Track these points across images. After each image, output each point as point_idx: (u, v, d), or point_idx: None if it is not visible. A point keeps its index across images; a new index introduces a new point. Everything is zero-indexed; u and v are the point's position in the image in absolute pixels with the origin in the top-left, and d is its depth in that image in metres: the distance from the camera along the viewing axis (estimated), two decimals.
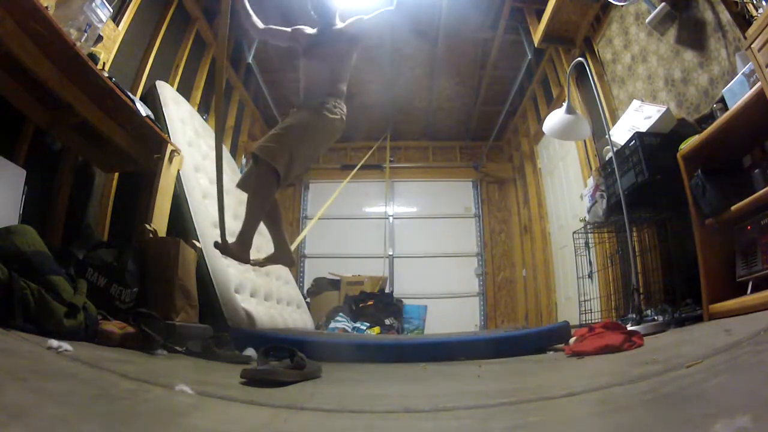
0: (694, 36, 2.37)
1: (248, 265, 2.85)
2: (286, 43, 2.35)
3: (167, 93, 2.82)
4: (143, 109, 2.20)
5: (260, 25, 2.28)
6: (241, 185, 2.15)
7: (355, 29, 2.22)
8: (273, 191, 1.99)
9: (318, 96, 2.13)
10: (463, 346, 2.08)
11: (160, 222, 2.16)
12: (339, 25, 2.25)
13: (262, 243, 3.40)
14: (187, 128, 2.84)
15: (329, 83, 2.18)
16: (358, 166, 4.98)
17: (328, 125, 2.12)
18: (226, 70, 4.04)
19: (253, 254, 3.08)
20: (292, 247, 2.33)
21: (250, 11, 2.24)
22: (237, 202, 3.22)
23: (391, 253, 5.37)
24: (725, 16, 2.11)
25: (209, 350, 1.64)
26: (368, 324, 3.73)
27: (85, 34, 1.92)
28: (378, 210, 5.62)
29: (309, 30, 2.31)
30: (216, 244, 1.94)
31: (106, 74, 1.96)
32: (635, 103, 2.63)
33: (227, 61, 4.04)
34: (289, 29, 2.32)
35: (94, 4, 1.94)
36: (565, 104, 2.74)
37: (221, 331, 1.95)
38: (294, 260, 2.36)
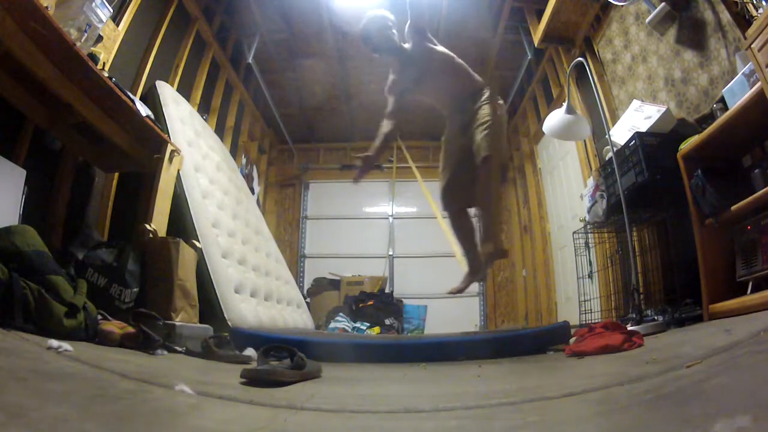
0: (694, 36, 2.37)
1: (248, 266, 2.85)
2: (399, 96, 2.36)
3: (167, 93, 2.82)
4: (143, 109, 2.20)
5: (392, 122, 2.31)
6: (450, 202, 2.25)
7: (418, 39, 2.27)
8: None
9: (467, 95, 2.23)
10: (463, 346, 2.08)
11: (160, 222, 2.16)
12: (405, 45, 2.30)
13: (260, 242, 3.41)
14: (187, 128, 2.84)
15: (461, 81, 2.27)
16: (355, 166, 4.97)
17: (499, 108, 2.21)
18: (225, 70, 4.05)
19: (253, 254, 3.09)
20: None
21: (381, 140, 2.27)
22: (236, 202, 3.22)
23: (391, 253, 5.37)
24: (725, 16, 2.11)
25: (209, 350, 1.64)
26: (368, 324, 3.73)
27: (85, 34, 1.92)
28: (378, 210, 5.61)
29: (394, 69, 2.33)
30: (486, 255, 2.01)
31: (106, 74, 1.96)
32: (635, 103, 2.63)
33: (227, 61, 4.04)
34: (390, 96, 2.35)
35: (94, 4, 1.94)
36: (565, 104, 2.74)
37: (221, 331, 1.95)
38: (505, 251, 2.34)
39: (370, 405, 1.02)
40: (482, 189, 2.05)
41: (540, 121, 4.03)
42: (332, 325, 3.71)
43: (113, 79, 1.98)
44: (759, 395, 0.71)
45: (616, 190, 2.49)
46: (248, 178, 4.42)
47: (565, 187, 4.11)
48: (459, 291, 2.20)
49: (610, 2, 2.87)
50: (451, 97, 2.26)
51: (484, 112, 2.13)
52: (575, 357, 1.66)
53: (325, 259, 5.22)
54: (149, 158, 2.25)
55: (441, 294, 5.14)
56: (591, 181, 3.13)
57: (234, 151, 4.24)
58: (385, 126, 2.27)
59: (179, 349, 1.62)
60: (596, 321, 2.70)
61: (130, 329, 1.51)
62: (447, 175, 2.24)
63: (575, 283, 3.23)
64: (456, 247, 2.28)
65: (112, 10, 2.13)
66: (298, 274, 5.15)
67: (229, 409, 0.88)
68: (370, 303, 4.06)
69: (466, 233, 2.27)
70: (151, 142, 2.23)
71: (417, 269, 5.31)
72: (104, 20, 2.05)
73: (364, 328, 3.67)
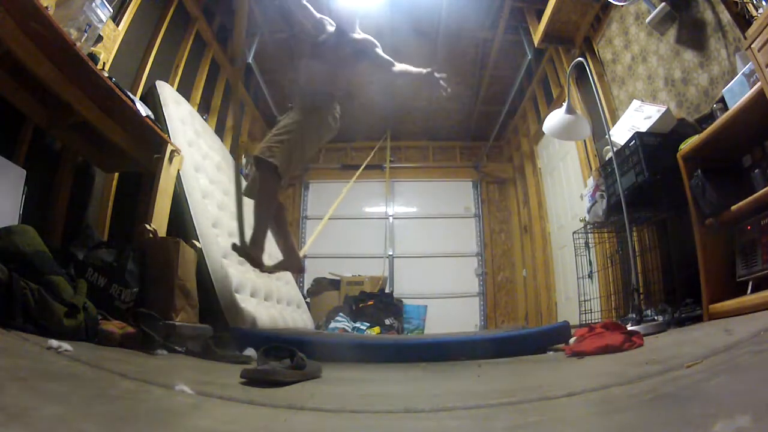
0: (694, 36, 2.37)
1: (248, 266, 2.85)
2: (309, 25, 2.33)
3: (167, 93, 2.82)
4: (143, 109, 2.20)
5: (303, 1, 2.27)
6: (247, 192, 2.18)
7: (364, 47, 2.25)
8: (276, 191, 2.06)
9: (318, 96, 2.16)
10: (463, 346, 2.08)
11: (160, 222, 2.16)
12: (356, 35, 2.28)
13: (272, 249, 3.41)
14: (187, 128, 2.84)
15: (331, 85, 2.21)
16: (362, 167, 4.97)
17: (325, 126, 2.17)
18: (225, 70, 4.05)
19: (264, 260, 3.10)
20: (301, 253, 2.37)
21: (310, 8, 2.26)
22: (235, 202, 3.22)
23: (391, 253, 5.37)
24: (725, 16, 2.11)
25: (209, 350, 1.64)
26: (368, 324, 3.73)
27: (85, 34, 1.92)
28: (378, 210, 5.62)
29: (329, 27, 2.31)
30: (234, 246, 2.00)
31: (106, 74, 1.96)
32: (635, 103, 2.63)
33: (227, 61, 4.04)
34: (318, 16, 2.31)
35: (94, 4, 1.94)
36: (565, 104, 2.74)
37: (221, 331, 1.95)
38: (303, 266, 2.40)
39: (370, 405, 1.02)
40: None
41: (540, 121, 4.03)
42: (332, 325, 3.71)
43: (113, 79, 1.98)
44: (759, 395, 0.71)
45: (616, 190, 2.49)
46: (248, 178, 4.42)
47: (565, 187, 4.11)
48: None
49: (610, 2, 2.87)
50: (315, 81, 2.21)
51: (299, 115, 2.11)
52: (575, 357, 1.65)
53: (325, 259, 5.22)
54: (149, 158, 2.25)
55: (441, 294, 5.15)
56: (591, 181, 3.12)
57: (234, 151, 4.24)
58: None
59: (179, 349, 1.63)
60: (596, 321, 2.70)
61: (130, 329, 1.51)
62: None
63: (575, 283, 3.23)
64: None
65: (112, 10, 2.13)
66: (298, 274, 5.15)
67: (229, 409, 0.88)
68: (370, 303, 4.05)
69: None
70: (151, 142, 2.23)
71: (417, 269, 5.31)
72: (104, 20, 2.05)
73: (364, 328, 3.67)
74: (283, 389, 1.12)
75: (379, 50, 2.27)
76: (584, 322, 2.87)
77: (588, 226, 3.06)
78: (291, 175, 2.15)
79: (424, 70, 2.16)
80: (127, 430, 0.66)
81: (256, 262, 2.06)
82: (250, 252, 2.03)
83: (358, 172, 4.83)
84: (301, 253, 2.41)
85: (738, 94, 1.78)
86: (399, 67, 2.25)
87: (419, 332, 4.42)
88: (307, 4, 2.31)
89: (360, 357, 1.94)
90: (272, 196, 2.06)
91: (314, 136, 2.16)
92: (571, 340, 2.02)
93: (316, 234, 4.50)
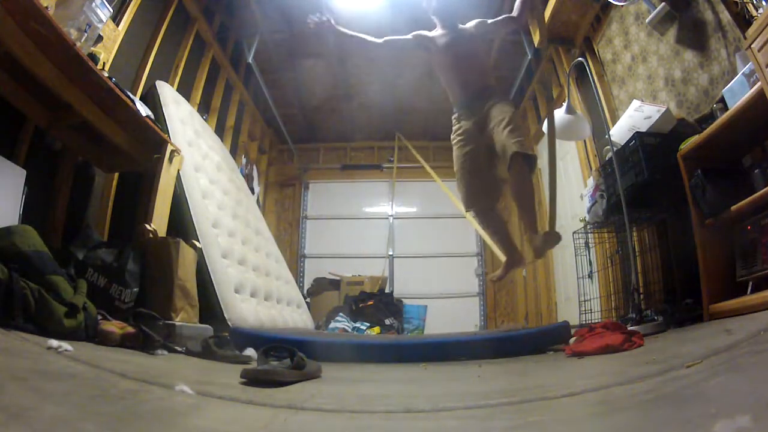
0: (694, 36, 2.37)
1: (248, 266, 2.85)
2: (412, 48, 2.41)
3: (167, 93, 2.82)
4: (143, 109, 2.20)
5: (378, 41, 2.33)
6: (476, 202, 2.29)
7: (483, 30, 2.38)
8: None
9: (488, 88, 2.27)
10: (463, 346, 2.08)
11: (160, 222, 2.16)
12: (466, 26, 2.37)
13: (260, 242, 3.41)
14: (187, 128, 2.84)
15: (488, 75, 2.32)
16: (362, 166, 4.96)
17: (509, 103, 2.28)
18: (225, 70, 4.05)
19: (253, 254, 3.09)
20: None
21: (357, 35, 2.30)
22: (236, 202, 3.22)
23: (391, 253, 5.37)
24: (725, 16, 2.11)
25: (209, 350, 1.64)
26: (368, 324, 3.73)
27: (85, 34, 1.92)
28: (378, 210, 5.61)
29: (432, 33, 2.36)
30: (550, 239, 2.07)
31: (106, 74, 1.96)
32: (635, 103, 2.63)
33: (227, 61, 4.04)
34: (410, 36, 2.37)
35: (94, 4, 1.94)
36: (565, 104, 2.74)
37: (221, 331, 1.95)
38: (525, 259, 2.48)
39: (370, 405, 1.02)
40: (517, 187, 2.08)
41: (540, 121, 4.03)
42: (332, 325, 3.71)
43: (113, 79, 1.98)
44: (759, 395, 0.71)
45: (616, 190, 2.49)
46: (248, 178, 4.42)
47: (565, 187, 4.11)
48: (500, 279, 2.36)
49: (610, 2, 2.87)
50: (471, 78, 2.28)
51: (500, 109, 2.14)
52: (575, 357, 1.65)
53: (325, 259, 5.22)
54: (149, 158, 2.25)
55: (441, 294, 5.15)
56: (591, 181, 3.12)
57: (234, 151, 4.24)
58: (372, 39, 2.32)
59: (179, 349, 1.62)
60: (596, 321, 2.70)
61: (130, 329, 1.51)
62: (469, 176, 2.26)
63: (575, 283, 3.23)
64: (490, 241, 2.37)
65: (112, 10, 2.13)
66: (298, 274, 5.15)
67: (229, 409, 0.88)
68: (370, 303, 4.05)
69: (499, 228, 2.34)
70: (151, 142, 2.23)
71: (417, 269, 5.31)
72: (104, 20, 2.05)
73: (364, 328, 3.67)
74: (283, 389, 1.12)
75: (489, 21, 2.38)
76: (584, 322, 2.87)
77: (588, 226, 3.06)
78: None
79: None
80: (127, 430, 0.66)
81: (557, 239, 2.12)
82: (551, 235, 2.09)
83: (364, 170, 4.81)
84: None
85: (738, 94, 1.78)
86: (516, 9, 2.38)
87: (419, 332, 4.42)
88: (389, 39, 2.35)
89: (360, 357, 1.94)
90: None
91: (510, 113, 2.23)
92: (571, 340, 2.02)
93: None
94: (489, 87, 2.28)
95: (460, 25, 2.37)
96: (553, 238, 2.08)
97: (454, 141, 2.32)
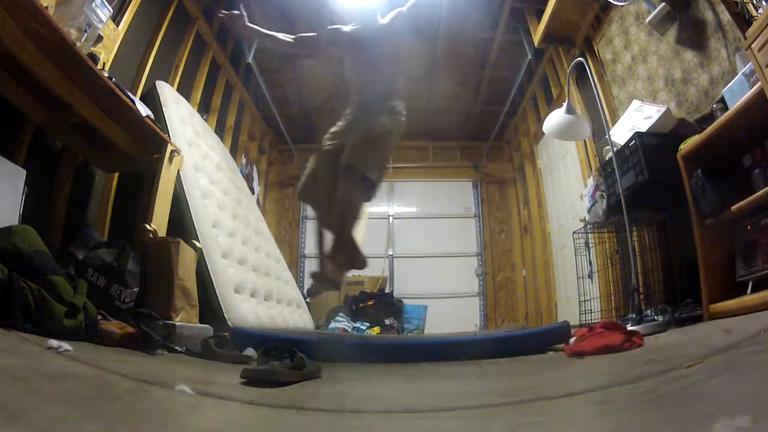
0: (694, 36, 2.37)
1: (249, 266, 2.86)
2: (324, 47, 2.19)
3: (167, 93, 2.82)
4: (143, 109, 2.20)
5: (289, 39, 2.12)
6: (307, 196, 2.10)
7: (400, 23, 2.08)
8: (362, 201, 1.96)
9: (387, 98, 2.05)
10: (463, 346, 2.08)
11: (160, 222, 2.16)
12: (383, 21, 2.10)
13: (260, 242, 3.41)
14: (187, 128, 2.84)
15: (394, 82, 2.09)
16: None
17: (402, 128, 2.07)
18: (226, 70, 4.05)
19: (253, 254, 3.09)
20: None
21: (271, 33, 2.11)
22: (236, 202, 3.22)
23: (391, 253, 5.37)
24: (725, 16, 2.11)
25: (209, 350, 1.64)
26: (368, 324, 3.73)
27: (85, 34, 1.92)
28: (378, 210, 5.61)
29: (347, 28, 2.12)
30: (314, 274, 1.91)
31: (106, 74, 1.96)
32: (635, 103, 2.63)
33: (227, 61, 4.04)
34: (315, 34, 2.15)
35: (94, 4, 1.94)
36: (565, 104, 2.74)
37: (221, 331, 1.95)
38: (366, 261, 2.12)
39: (370, 405, 1.02)
40: (338, 198, 1.89)
41: (540, 121, 4.03)
42: (332, 325, 3.71)
43: (113, 79, 1.98)
44: (759, 395, 0.71)
45: (616, 190, 2.49)
46: (248, 178, 4.42)
47: (565, 187, 4.11)
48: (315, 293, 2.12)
49: (610, 2, 2.87)
50: (374, 81, 2.06)
51: (382, 121, 1.97)
52: (575, 357, 1.65)
53: None
54: (149, 158, 2.25)
55: (441, 294, 5.15)
56: (591, 181, 3.12)
57: (234, 151, 4.25)
58: (284, 37, 2.11)
59: (179, 349, 1.62)
60: (596, 321, 2.70)
61: (130, 329, 1.51)
62: (314, 165, 2.07)
63: (575, 283, 3.23)
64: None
65: (112, 10, 2.13)
66: (298, 274, 5.15)
67: (229, 409, 0.88)
68: (370, 303, 4.05)
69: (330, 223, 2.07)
70: (151, 142, 2.23)
71: (417, 269, 5.31)
72: (104, 20, 2.05)
73: (364, 328, 3.67)
74: (283, 389, 1.12)
75: (405, 8, 2.08)
76: (584, 322, 2.87)
77: (588, 226, 3.06)
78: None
79: None
80: (127, 430, 0.66)
81: (339, 281, 1.95)
82: (332, 274, 1.91)
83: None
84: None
85: (738, 94, 1.78)
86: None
87: (419, 332, 4.42)
88: (301, 37, 2.13)
89: (360, 357, 1.94)
90: (360, 203, 1.94)
91: (395, 140, 2.09)
92: (571, 340, 2.02)
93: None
94: (389, 99, 2.05)
95: (381, 21, 2.09)
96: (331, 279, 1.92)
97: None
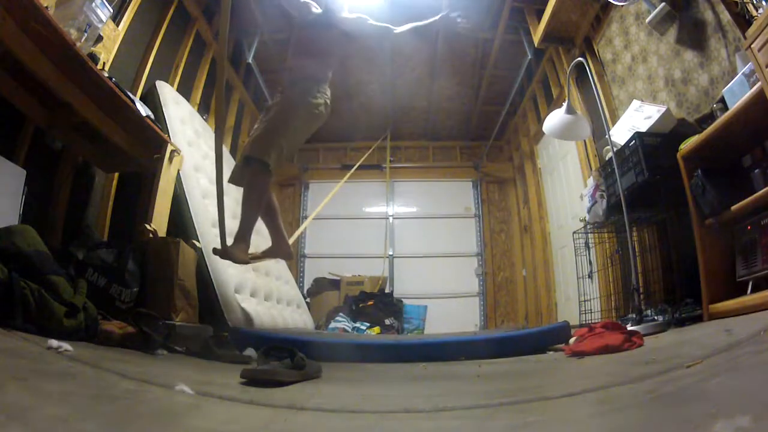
0: (694, 36, 2.37)
1: (248, 265, 2.85)
2: (294, 12, 2.27)
3: (167, 93, 2.82)
4: (143, 109, 2.20)
5: None
6: (233, 180, 2.12)
7: (355, 26, 2.19)
8: (268, 185, 2.02)
9: (305, 81, 2.09)
10: (463, 346, 2.08)
11: (160, 222, 2.16)
12: (346, 15, 2.21)
13: (260, 242, 3.40)
14: (187, 128, 2.84)
15: (318, 67, 2.13)
16: (356, 166, 4.95)
17: (314, 111, 2.08)
18: (226, 70, 4.05)
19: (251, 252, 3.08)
20: (291, 241, 2.31)
21: None
22: (235, 203, 3.22)
23: (391, 253, 5.37)
24: (725, 16, 2.11)
25: (209, 350, 1.64)
26: (368, 324, 3.73)
27: (85, 34, 1.92)
28: (378, 210, 5.61)
29: (315, 8, 2.22)
30: (215, 250, 1.92)
31: (106, 74, 1.96)
32: (635, 103, 2.63)
33: (227, 61, 4.04)
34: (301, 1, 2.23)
35: (94, 4, 1.94)
36: (565, 104, 2.74)
37: (221, 331, 1.95)
38: (292, 253, 2.28)
39: (370, 405, 1.02)
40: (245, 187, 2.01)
41: (540, 121, 4.03)
42: (332, 325, 3.71)
43: (113, 79, 1.98)
44: (759, 395, 0.71)
45: (616, 190, 2.49)
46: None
47: (565, 187, 4.11)
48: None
49: (610, 2, 2.87)
50: (302, 64, 2.12)
51: (285, 103, 2.04)
52: (575, 357, 1.65)
53: (325, 259, 5.22)
54: (149, 158, 2.25)
55: (441, 294, 5.15)
56: (591, 181, 3.12)
57: (234, 151, 4.24)
58: None
59: (179, 349, 1.63)
60: (596, 321, 2.70)
61: (130, 329, 1.51)
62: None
63: (575, 283, 3.23)
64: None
65: (112, 10, 2.13)
66: (298, 274, 5.15)
67: (229, 409, 0.88)
68: (370, 303, 4.05)
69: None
70: (151, 142, 2.24)
71: (417, 269, 5.30)
72: (104, 20, 2.05)
73: (364, 328, 3.67)
74: (283, 389, 1.12)
75: (372, 22, 2.19)
76: (584, 322, 2.87)
77: (588, 226, 3.06)
78: (282, 163, 2.06)
79: (437, 17, 2.15)
80: (127, 430, 0.66)
81: (241, 260, 1.97)
82: (233, 253, 1.93)
83: (352, 170, 4.77)
84: (290, 241, 2.34)
85: (738, 94, 1.78)
86: (402, 27, 2.18)
87: (419, 332, 4.42)
88: None
89: (360, 357, 1.94)
90: (264, 192, 2.02)
91: (304, 124, 2.10)
92: (571, 340, 2.02)
93: (306, 224, 4.39)
94: (311, 79, 2.09)
95: (344, 14, 2.19)
96: (225, 253, 1.93)
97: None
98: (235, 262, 2.00)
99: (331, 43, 2.17)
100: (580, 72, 3.35)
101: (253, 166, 1.97)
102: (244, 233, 1.95)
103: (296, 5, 2.24)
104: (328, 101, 2.13)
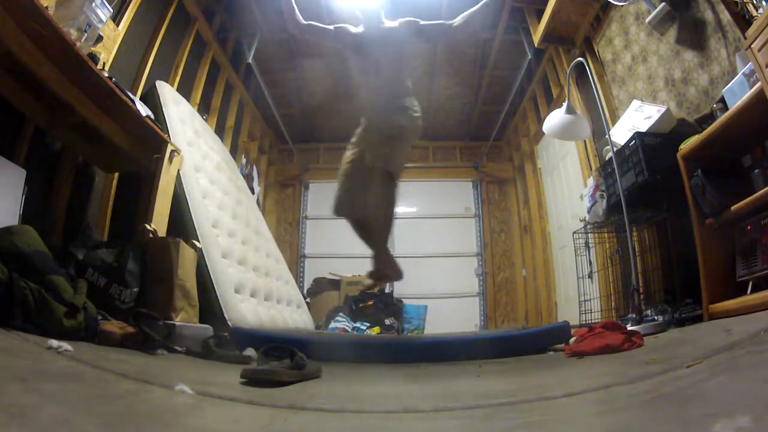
0: (694, 36, 2.37)
1: (248, 266, 2.85)
2: (329, 41, 2.22)
3: (167, 93, 2.82)
4: (143, 109, 2.20)
5: (302, 20, 2.13)
6: (343, 211, 2.23)
7: (412, 27, 2.13)
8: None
9: (397, 97, 2.08)
10: (463, 346, 2.08)
11: (160, 222, 2.16)
12: (392, 24, 2.14)
13: (260, 242, 3.41)
14: (187, 128, 2.84)
15: (402, 81, 2.12)
16: None
17: (418, 125, 2.12)
18: (226, 70, 4.05)
19: (253, 254, 3.09)
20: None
21: (294, 5, 2.11)
22: (236, 202, 3.22)
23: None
24: (725, 16, 2.11)
25: (209, 350, 1.64)
26: (368, 324, 3.73)
27: (85, 34, 1.92)
28: None
29: (354, 29, 2.15)
30: (372, 274, 2.05)
31: (106, 74, 1.96)
32: (635, 103, 2.63)
33: (227, 61, 4.04)
34: (331, 27, 2.17)
35: (94, 4, 1.94)
36: (565, 104, 2.74)
37: (221, 331, 1.95)
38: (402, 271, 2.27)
39: (370, 405, 1.02)
40: (378, 206, 2.03)
41: (540, 121, 4.03)
42: (332, 325, 3.71)
43: (113, 79, 1.98)
44: (759, 395, 0.71)
45: (616, 190, 2.49)
46: (248, 178, 4.42)
47: (565, 187, 4.11)
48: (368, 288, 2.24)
49: (610, 2, 2.87)
50: (383, 82, 2.08)
51: (396, 120, 2.02)
52: (575, 357, 1.65)
53: (325, 259, 5.22)
54: (149, 158, 2.25)
55: (441, 294, 5.15)
56: (591, 181, 3.12)
57: (234, 151, 4.25)
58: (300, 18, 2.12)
59: (179, 349, 1.62)
60: (596, 321, 2.70)
61: (130, 329, 1.51)
62: (343, 179, 2.17)
63: (575, 283, 3.23)
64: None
65: (112, 10, 2.13)
66: (298, 274, 5.15)
67: (229, 409, 0.88)
68: (370, 303, 4.05)
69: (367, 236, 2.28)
70: (151, 142, 2.23)
71: (417, 269, 5.30)
72: (104, 20, 2.05)
73: (364, 328, 3.67)
74: (283, 389, 1.12)
75: (423, 22, 2.15)
76: (584, 322, 2.87)
77: (588, 226, 3.06)
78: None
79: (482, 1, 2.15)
80: (127, 430, 0.66)
81: (399, 272, 2.11)
82: (388, 272, 2.07)
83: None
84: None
85: (738, 94, 1.78)
86: (458, 20, 2.17)
87: (419, 332, 4.42)
88: (312, 24, 2.15)
89: (360, 357, 1.94)
90: (395, 205, 2.11)
91: (413, 138, 2.15)
92: (571, 340, 2.02)
93: None
94: (400, 97, 2.07)
95: (386, 23, 2.12)
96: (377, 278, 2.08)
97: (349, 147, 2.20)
98: (398, 277, 2.12)
99: (400, 53, 2.14)
100: (580, 72, 3.35)
101: (385, 177, 2.02)
102: (387, 250, 2.12)
103: (333, 36, 2.16)
104: (418, 110, 2.12)
